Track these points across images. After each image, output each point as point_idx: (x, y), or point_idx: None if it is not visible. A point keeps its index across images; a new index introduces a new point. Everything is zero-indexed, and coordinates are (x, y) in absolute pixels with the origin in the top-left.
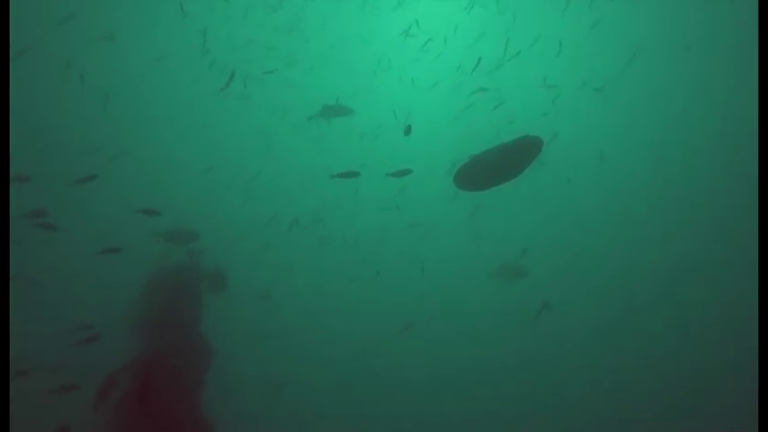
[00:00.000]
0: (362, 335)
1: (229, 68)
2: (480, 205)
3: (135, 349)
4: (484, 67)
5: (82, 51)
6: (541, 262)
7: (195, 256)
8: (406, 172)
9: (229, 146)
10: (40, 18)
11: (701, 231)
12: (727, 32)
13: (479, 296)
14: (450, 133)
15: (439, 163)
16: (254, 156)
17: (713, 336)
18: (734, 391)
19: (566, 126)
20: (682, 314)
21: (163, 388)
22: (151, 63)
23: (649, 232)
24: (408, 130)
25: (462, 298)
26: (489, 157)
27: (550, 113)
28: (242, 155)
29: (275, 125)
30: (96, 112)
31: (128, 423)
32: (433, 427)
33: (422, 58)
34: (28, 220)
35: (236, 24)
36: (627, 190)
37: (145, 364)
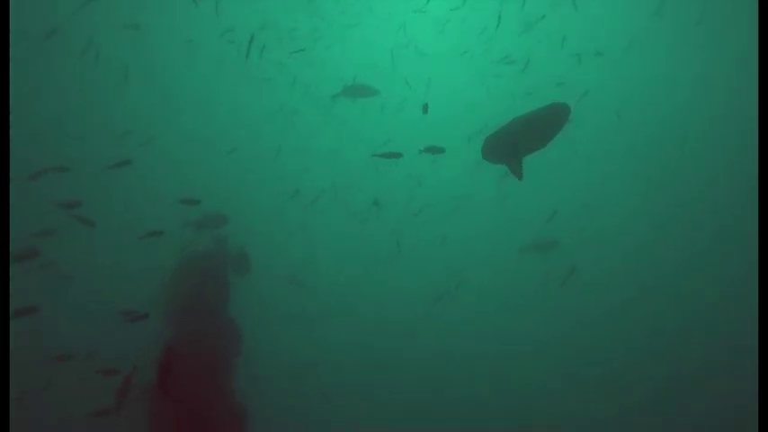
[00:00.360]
0: (390, 314)
1: (248, 48)
2: (506, 176)
3: (163, 337)
4: (506, 33)
5: (104, 35)
6: (567, 234)
7: (221, 240)
8: (439, 150)
9: (251, 126)
10: (62, 0)
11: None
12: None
13: (507, 271)
14: (473, 104)
15: (463, 135)
16: (276, 136)
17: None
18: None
19: (592, 90)
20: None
21: (193, 374)
22: (172, 45)
23: (673, 199)
24: (426, 109)
25: (490, 274)
26: (516, 126)
27: (572, 80)
28: (263, 135)
29: (296, 104)
30: (120, 96)
31: (160, 410)
32: (462, 405)
33: (441, 29)
34: (62, 210)
35: (254, 3)
36: (647, 155)
37: (167, 351)
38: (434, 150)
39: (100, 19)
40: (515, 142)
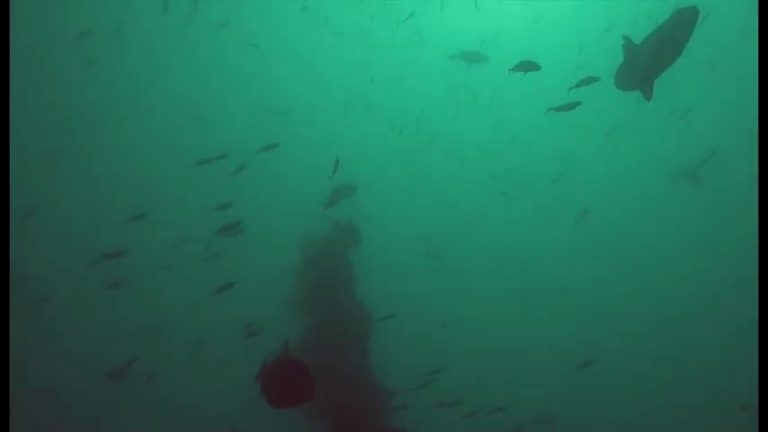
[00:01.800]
0: (526, 256)
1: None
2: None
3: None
4: None
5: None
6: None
7: (338, 224)
8: (594, 79)
9: (363, 87)
10: None
11: None
12: None
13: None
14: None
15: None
16: (388, 99)
17: None
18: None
19: None
20: None
21: (335, 361)
22: (296, 13)
23: None
24: (527, 66)
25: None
26: (647, 46)
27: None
28: (378, 96)
29: (409, 68)
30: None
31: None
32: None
33: None
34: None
35: None
36: None
37: (284, 354)
38: (588, 81)
39: None
40: (650, 60)
